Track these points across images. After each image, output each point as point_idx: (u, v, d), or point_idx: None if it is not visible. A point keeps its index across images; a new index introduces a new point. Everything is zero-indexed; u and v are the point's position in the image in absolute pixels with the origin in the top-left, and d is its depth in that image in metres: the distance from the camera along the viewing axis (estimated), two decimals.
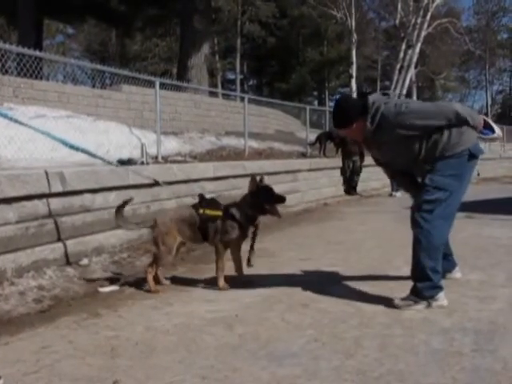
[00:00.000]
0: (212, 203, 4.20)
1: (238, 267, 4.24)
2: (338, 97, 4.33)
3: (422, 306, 3.49)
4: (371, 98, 3.59)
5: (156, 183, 5.99)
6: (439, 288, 3.54)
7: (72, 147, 6.10)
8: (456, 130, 3.45)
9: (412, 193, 3.96)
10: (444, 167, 3.45)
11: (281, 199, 4.10)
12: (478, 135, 3.57)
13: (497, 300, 3.71)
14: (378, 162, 4.02)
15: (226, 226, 4.06)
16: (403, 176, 4.00)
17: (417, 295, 3.52)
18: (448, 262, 4.07)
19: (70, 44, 41.80)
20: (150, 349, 2.92)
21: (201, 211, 4.09)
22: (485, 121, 3.59)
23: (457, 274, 4.26)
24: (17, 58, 6.87)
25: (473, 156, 3.49)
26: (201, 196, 4.29)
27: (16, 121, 5.11)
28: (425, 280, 3.49)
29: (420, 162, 3.53)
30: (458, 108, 3.47)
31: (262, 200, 4.05)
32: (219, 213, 4.09)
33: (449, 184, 3.45)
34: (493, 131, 3.60)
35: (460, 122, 3.43)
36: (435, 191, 3.45)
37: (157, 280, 4.18)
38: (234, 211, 4.09)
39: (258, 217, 4.13)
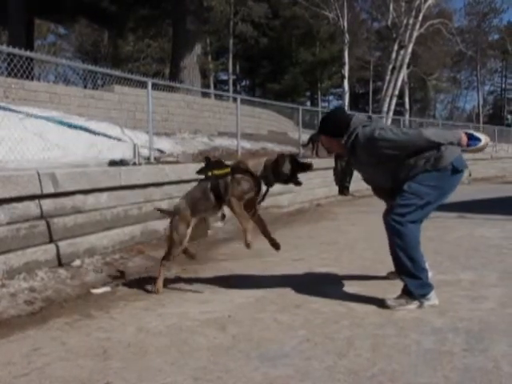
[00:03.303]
0: (219, 163, 4.13)
1: (265, 229, 4.09)
2: (335, 107, 4.40)
3: (414, 305, 3.51)
4: (354, 118, 3.69)
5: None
6: (429, 286, 3.56)
7: (80, 128, 5.87)
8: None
9: (389, 202, 3.89)
10: (424, 177, 3.49)
11: (307, 167, 4.08)
12: (465, 149, 3.59)
13: (488, 300, 3.73)
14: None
15: (237, 179, 3.92)
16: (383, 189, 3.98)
17: (408, 295, 3.54)
18: None
19: (62, 44, 41.59)
20: (142, 350, 2.91)
21: (209, 174, 4.03)
22: (469, 134, 3.61)
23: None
24: (7, 58, 6.82)
25: (456, 170, 3.50)
26: (207, 158, 4.25)
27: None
28: (413, 279, 3.51)
29: (400, 180, 3.55)
30: (429, 135, 3.45)
31: (289, 168, 3.96)
32: (227, 170, 3.99)
33: (425, 193, 3.47)
34: (479, 140, 3.62)
35: (434, 146, 3.44)
36: (411, 197, 3.48)
37: (188, 254, 4.26)
38: (253, 167, 3.98)
39: (274, 183, 4.03)
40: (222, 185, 3.96)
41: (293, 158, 4.06)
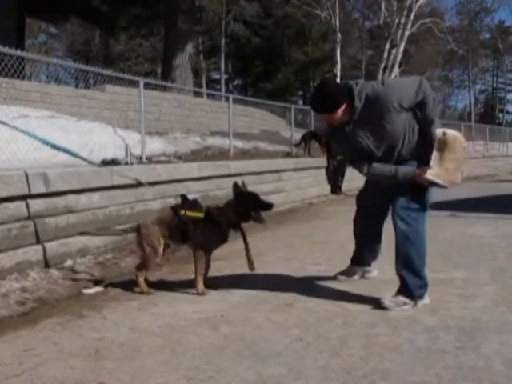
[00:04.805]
0: (194, 205, 4.12)
1: (205, 272, 4.13)
2: (320, 80, 4.23)
3: (410, 305, 3.50)
4: (351, 82, 3.48)
5: (139, 184, 5.95)
6: (427, 287, 3.57)
7: (54, 147, 6.03)
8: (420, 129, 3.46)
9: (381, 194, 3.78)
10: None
11: (267, 206, 3.97)
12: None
13: (480, 298, 3.75)
14: (348, 158, 3.87)
15: (206, 229, 3.96)
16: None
17: (407, 295, 3.51)
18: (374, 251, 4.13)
19: (53, 43, 41.42)
20: (134, 350, 2.90)
21: (182, 212, 4.00)
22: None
23: (374, 272, 4.32)
24: None
25: None
26: (183, 197, 4.23)
27: None
28: (418, 279, 3.50)
29: (401, 152, 3.45)
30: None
31: (247, 208, 3.91)
32: (201, 214, 4.01)
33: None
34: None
35: (430, 98, 3.39)
36: (421, 189, 3.47)
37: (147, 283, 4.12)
38: (217, 215, 3.99)
39: (240, 223, 4.02)
40: (192, 230, 3.96)
41: (253, 195, 4.00)
